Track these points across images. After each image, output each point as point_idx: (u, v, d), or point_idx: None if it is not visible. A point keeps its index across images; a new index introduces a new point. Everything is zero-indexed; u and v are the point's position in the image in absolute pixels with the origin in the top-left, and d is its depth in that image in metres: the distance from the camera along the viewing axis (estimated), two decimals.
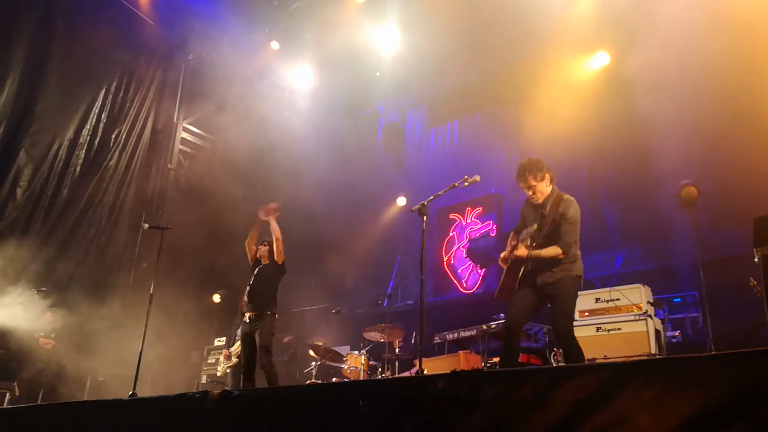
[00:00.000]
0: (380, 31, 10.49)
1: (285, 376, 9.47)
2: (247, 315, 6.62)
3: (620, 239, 8.78)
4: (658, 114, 7.76)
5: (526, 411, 2.62)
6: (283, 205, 6.99)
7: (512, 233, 5.07)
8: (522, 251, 4.57)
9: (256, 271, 6.86)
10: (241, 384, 6.59)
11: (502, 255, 4.97)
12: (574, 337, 4.50)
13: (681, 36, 7.62)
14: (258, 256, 6.92)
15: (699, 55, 7.52)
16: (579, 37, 8.81)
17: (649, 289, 6.51)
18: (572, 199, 4.71)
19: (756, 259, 5.02)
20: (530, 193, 4.75)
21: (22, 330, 8.31)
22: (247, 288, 6.78)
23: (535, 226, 4.64)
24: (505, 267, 4.86)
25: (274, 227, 6.74)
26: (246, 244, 7.00)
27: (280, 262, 6.79)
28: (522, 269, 4.67)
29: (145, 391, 8.64)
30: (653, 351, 5.99)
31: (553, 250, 4.56)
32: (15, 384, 8.09)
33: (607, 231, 8.94)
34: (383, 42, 10.61)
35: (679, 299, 7.39)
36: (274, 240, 6.76)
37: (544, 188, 4.74)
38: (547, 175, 4.76)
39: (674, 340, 6.72)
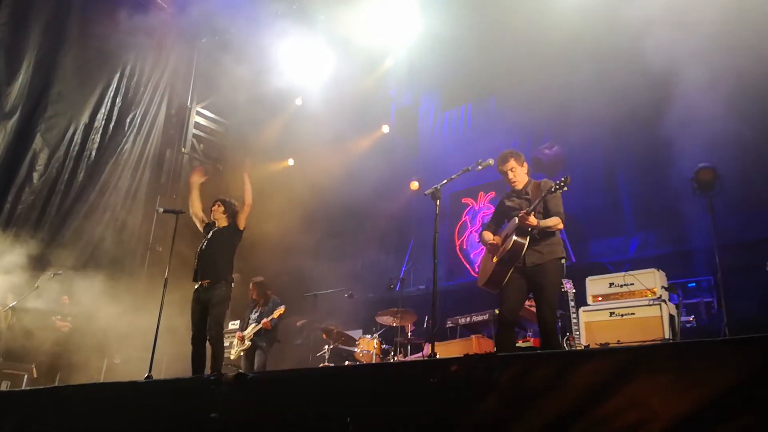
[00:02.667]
0: (394, 14, 10.40)
1: (298, 360, 9.55)
2: (201, 282, 6.11)
3: (635, 223, 8.72)
4: (675, 97, 7.65)
5: (539, 394, 2.63)
6: (294, 191, 6.87)
7: (485, 232, 5.15)
8: (532, 218, 4.61)
9: (210, 235, 6.30)
10: (191, 356, 6.07)
11: (490, 240, 4.99)
12: (557, 332, 4.79)
13: (699, 17, 7.50)
14: (213, 218, 6.40)
15: (717, 35, 7.40)
16: (592, 17, 8.69)
17: (664, 274, 6.46)
18: (550, 180, 4.89)
19: None
20: (511, 174, 4.97)
21: (39, 313, 8.43)
22: (203, 252, 6.20)
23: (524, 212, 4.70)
24: (496, 255, 4.87)
25: (248, 189, 6.31)
26: (192, 213, 6.56)
27: (241, 228, 6.31)
28: (523, 251, 4.67)
29: (160, 373, 8.75)
30: (667, 336, 5.95)
31: (554, 220, 4.75)
32: (33, 366, 8.22)
33: (622, 215, 8.88)
34: (397, 25, 10.53)
35: (694, 284, 7.33)
36: (244, 204, 6.29)
37: (522, 174, 5.00)
38: (525, 164, 5.05)
39: (688, 325, 6.67)
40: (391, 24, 10.52)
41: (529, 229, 4.65)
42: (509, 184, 5.04)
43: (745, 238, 7.16)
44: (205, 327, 6.02)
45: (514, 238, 4.69)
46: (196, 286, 6.20)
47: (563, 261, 4.78)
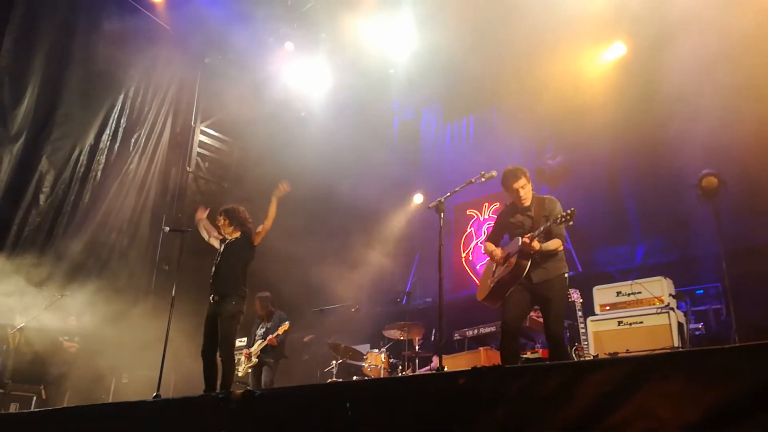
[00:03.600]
0: (394, 28, 10.48)
1: (306, 375, 9.53)
2: (212, 296, 6.06)
3: (641, 231, 8.70)
4: (678, 104, 7.66)
5: (548, 405, 2.62)
6: (299, 205, 6.87)
7: (489, 243, 5.14)
8: (535, 243, 4.63)
9: (221, 249, 6.27)
10: (203, 370, 6.00)
11: (498, 256, 4.98)
12: (564, 343, 4.76)
13: (700, 26, 7.52)
14: (224, 233, 6.31)
15: (719, 44, 7.42)
16: (594, 27, 8.72)
17: (671, 282, 6.44)
18: (555, 198, 4.95)
19: None
20: (522, 192, 4.91)
21: (46, 334, 8.45)
22: (215, 267, 6.18)
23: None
24: (496, 273, 4.88)
25: (272, 214, 6.22)
26: (200, 229, 6.59)
27: (255, 244, 6.25)
28: (525, 272, 4.69)
29: (168, 392, 8.74)
30: (676, 344, 5.92)
31: (555, 243, 4.77)
32: (42, 387, 8.23)
33: (628, 223, 8.86)
34: (397, 39, 10.60)
35: (702, 291, 7.29)
36: (264, 225, 6.22)
37: (530, 191, 4.97)
38: (530, 182, 5.05)
39: (697, 333, 6.63)
40: (392, 38, 10.59)
41: (531, 253, 4.68)
42: (518, 201, 4.99)
43: (752, 244, 7.13)
44: (215, 341, 5.94)
45: (517, 259, 4.72)
46: (210, 301, 6.11)
47: (567, 275, 4.85)
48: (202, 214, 6.74)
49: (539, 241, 4.68)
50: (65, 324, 8.74)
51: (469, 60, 10.30)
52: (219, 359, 5.93)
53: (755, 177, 7.16)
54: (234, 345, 6.09)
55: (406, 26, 10.42)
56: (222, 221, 6.27)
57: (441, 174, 11.25)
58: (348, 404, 3.37)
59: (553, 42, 9.09)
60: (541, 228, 4.70)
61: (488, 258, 5.13)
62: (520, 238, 4.72)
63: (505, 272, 4.78)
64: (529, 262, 4.70)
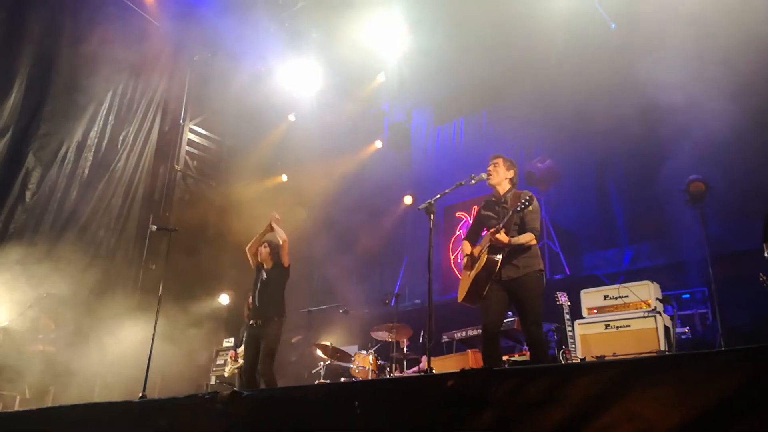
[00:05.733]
0: (386, 30, 10.48)
1: (293, 377, 9.49)
2: (255, 321, 6.54)
3: (629, 236, 8.76)
4: (666, 110, 7.72)
5: (535, 408, 2.62)
6: (290, 205, 6.99)
7: (465, 242, 5.14)
8: (503, 237, 4.56)
9: (260, 276, 6.76)
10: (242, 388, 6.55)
11: (465, 258, 4.97)
12: (545, 344, 4.71)
13: (693, 31, 7.59)
14: (260, 260, 6.80)
15: (710, 49, 7.48)
16: (587, 31, 8.78)
17: (658, 286, 6.48)
18: (530, 192, 4.83)
19: (766, 254, 4.99)
20: (491, 168, 4.97)
21: (29, 333, 8.35)
22: (252, 294, 6.72)
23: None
24: (471, 271, 4.85)
25: (280, 231, 6.68)
26: (247, 249, 6.91)
27: (286, 265, 6.72)
28: (498, 267, 4.64)
29: (154, 392, 8.69)
30: (662, 348, 5.96)
31: (527, 236, 4.68)
32: (25, 387, 8.13)
33: (616, 227, 8.92)
34: (388, 41, 10.61)
35: (688, 295, 7.35)
36: (280, 242, 6.67)
37: (503, 177, 4.96)
38: (512, 172, 5.03)
39: (684, 337, 6.68)
40: (383, 40, 10.59)
41: (501, 247, 4.62)
42: (487, 181, 5.00)
43: (738, 249, 7.19)
44: (257, 360, 6.37)
45: (488, 255, 4.66)
46: (251, 323, 6.56)
47: (541, 272, 4.72)
48: (277, 222, 6.81)
49: (509, 235, 4.60)
50: (43, 326, 8.59)
51: (461, 63, 10.34)
52: (263, 374, 6.27)
53: (742, 183, 7.23)
54: (273, 361, 6.42)
55: (398, 28, 10.42)
56: (263, 249, 6.74)
57: (431, 176, 11.27)
58: (342, 404, 3.36)
59: (544, 46, 9.14)
60: (506, 218, 4.62)
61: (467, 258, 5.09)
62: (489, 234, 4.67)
63: (479, 269, 4.71)
64: (500, 257, 4.63)
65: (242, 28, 11.01)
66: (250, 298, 6.96)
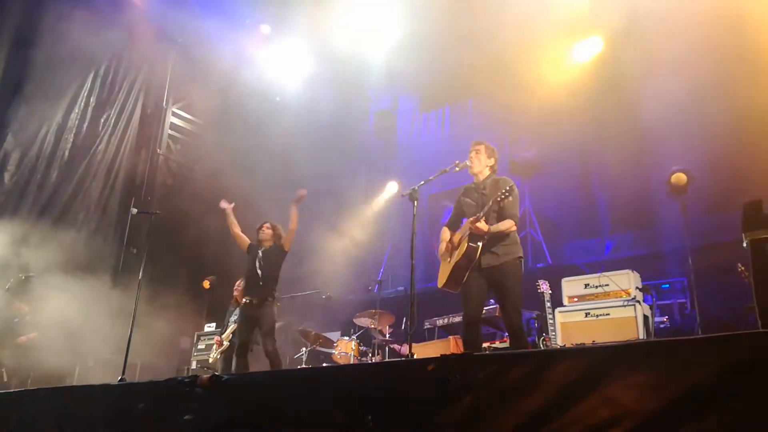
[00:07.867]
0: (372, 17, 10.40)
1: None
2: (250, 299, 6.52)
3: (611, 225, 8.84)
4: (650, 101, 7.77)
5: (515, 393, 2.64)
6: (273, 189, 6.96)
7: (444, 228, 5.16)
8: (483, 224, 4.56)
9: (260, 254, 6.68)
10: (233, 365, 6.51)
11: (443, 245, 4.99)
12: (524, 331, 4.67)
13: (677, 25, 7.61)
14: (260, 239, 6.78)
15: (693, 43, 7.52)
16: (572, 21, 8.77)
17: (638, 275, 6.55)
18: (509, 179, 4.84)
19: (744, 245, 5.04)
20: (473, 154, 4.97)
21: (6, 317, 8.25)
22: (253, 272, 6.60)
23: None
24: (451, 258, 4.86)
25: (294, 218, 6.72)
26: (234, 234, 6.91)
27: (287, 249, 6.76)
28: (478, 255, 4.64)
29: (134, 377, 8.64)
30: (641, 336, 6.03)
31: (506, 223, 4.67)
32: (3, 370, 8.05)
33: (598, 217, 8.99)
34: (375, 28, 10.53)
35: (668, 285, 7.45)
36: (289, 228, 6.72)
37: (484, 165, 4.96)
38: (493, 160, 5.02)
39: (662, 326, 6.78)
40: (370, 26, 10.51)
41: (481, 235, 4.62)
42: (469, 168, 5.00)
43: (717, 240, 7.28)
44: (250, 340, 6.53)
45: (468, 243, 4.65)
46: (245, 301, 6.58)
47: (520, 259, 4.72)
48: (227, 204, 6.96)
49: (488, 222, 4.60)
50: (14, 307, 8.47)
51: (447, 52, 10.31)
52: (267, 357, 6.35)
53: (724, 174, 7.31)
54: (275, 341, 6.47)
55: (385, 15, 10.35)
56: (266, 230, 6.78)
57: (416, 163, 11.28)
58: (322, 388, 3.36)
59: (530, 36, 9.13)
60: (486, 207, 4.62)
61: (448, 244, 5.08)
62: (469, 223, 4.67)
63: (459, 256, 4.72)
64: (480, 245, 4.63)
65: (227, 11, 10.87)
66: (241, 280, 6.94)
